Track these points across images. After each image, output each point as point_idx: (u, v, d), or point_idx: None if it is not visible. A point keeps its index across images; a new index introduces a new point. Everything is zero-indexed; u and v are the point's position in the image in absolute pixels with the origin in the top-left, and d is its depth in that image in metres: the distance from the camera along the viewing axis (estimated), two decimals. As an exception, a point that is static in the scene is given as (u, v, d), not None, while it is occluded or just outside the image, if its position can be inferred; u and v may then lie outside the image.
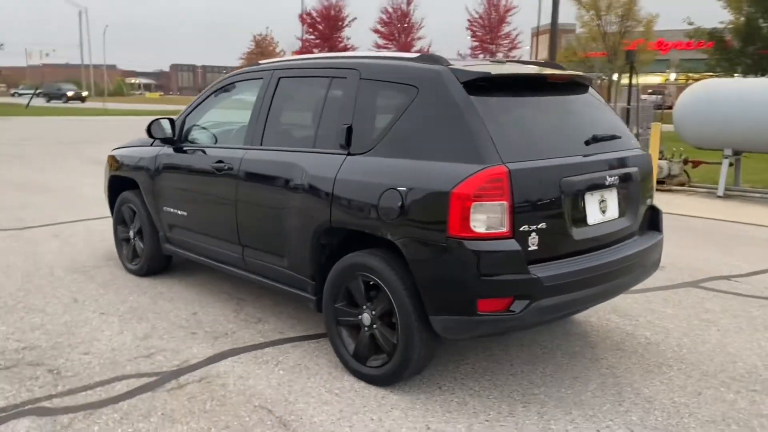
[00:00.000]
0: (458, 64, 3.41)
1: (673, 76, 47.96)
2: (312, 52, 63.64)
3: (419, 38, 59.68)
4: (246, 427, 3.11)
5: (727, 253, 6.71)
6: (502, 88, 3.39)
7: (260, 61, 4.65)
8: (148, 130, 4.78)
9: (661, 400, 3.45)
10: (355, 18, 61.56)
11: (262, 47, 79.91)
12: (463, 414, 3.26)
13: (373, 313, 3.48)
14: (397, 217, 3.23)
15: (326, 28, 62.31)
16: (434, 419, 3.21)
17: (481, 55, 53.52)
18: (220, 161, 4.36)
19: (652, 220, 3.99)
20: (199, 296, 5.00)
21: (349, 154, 3.58)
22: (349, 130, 3.60)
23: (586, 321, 4.61)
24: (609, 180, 3.48)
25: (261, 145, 4.17)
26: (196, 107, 4.88)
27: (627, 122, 11.06)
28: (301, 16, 63.14)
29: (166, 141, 4.88)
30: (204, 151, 4.59)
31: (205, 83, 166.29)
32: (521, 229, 3.07)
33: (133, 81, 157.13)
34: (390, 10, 59.48)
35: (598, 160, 3.48)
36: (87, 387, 3.48)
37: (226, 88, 4.73)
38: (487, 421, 3.21)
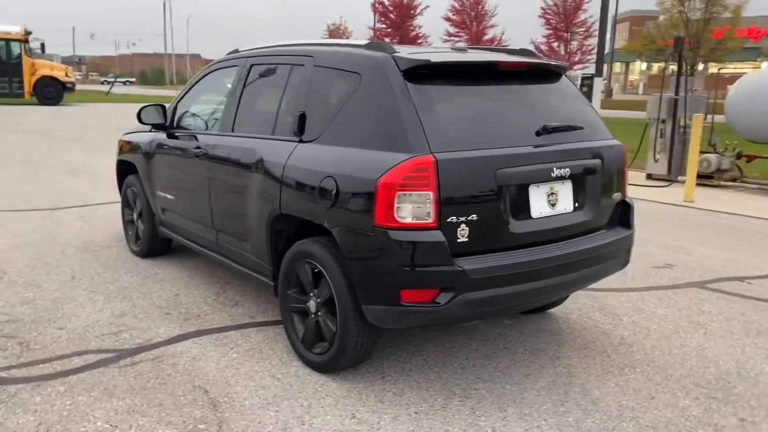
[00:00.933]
0: (404, 52, 3.36)
1: (765, 65, 45.32)
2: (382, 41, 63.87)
3: (491, 26, 58.83)
4: (177, 405, 3.19)
5: (757, 254, 6.32)
6: (445, 76, 3.32)
7: (239, 48, 4.72)
8: (138, 116, 4.94)
9: (608, 402, 3.31)
10: (428, 6, 61.06)
11: (335, 36, 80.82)
12: (394, 405, 3.24)
13: (318, 300, 3.49)
14: (332, 205, 3.23)
15: (398, 16, 62.24)
16: (363, 408, 3.20)
17: (555, 44, 52.26)
18: (198, 147, 4.47)
19: (623, 216, 3.82)
20: (189, 279, 5.14)
21: (300, 141, 3.60)
22: (302, 117, 3.61)
23: (563, 317, 4.47)
24: (558, 172, 3.34)
25: (232, 131, 4.24)
26: (186, 93, 5.01)
27: (674, 113, 10.54)
28: (373, 5, 63.33)
29: (157, 127, 5.03)
30: (189, 137, 4.71)
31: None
32: (448, 220, 3.01)
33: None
34: (463, -3, 58.78)
35: (546, 151, 3.35)
36: (46, 360, 3.65)
37: (211, 75, 4.83)
38: (416, 413, 3.17)
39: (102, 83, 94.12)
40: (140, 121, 4.96)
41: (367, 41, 3.62)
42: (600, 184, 3.61)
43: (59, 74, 28.24)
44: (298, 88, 3.75)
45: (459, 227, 3.03)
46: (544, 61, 3.76)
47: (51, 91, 27.88)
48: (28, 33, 27.80)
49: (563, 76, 3.85)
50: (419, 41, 61.93)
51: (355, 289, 3.19)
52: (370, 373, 3.58)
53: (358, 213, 3.12)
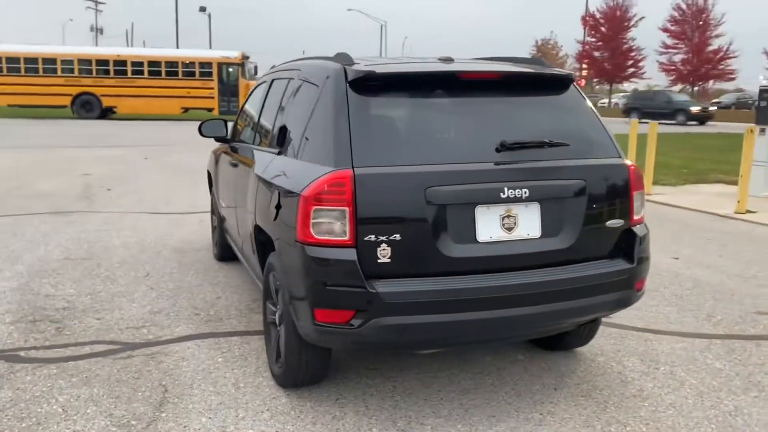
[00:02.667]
0: (363, 63, 3.24)
1: None
2: (591, 56, 61.12)
3: (717, 36, 53.62)
4: (130, 400, 3.37)
5: None
6: (397, 88, 3.14)
7: (273, 65, 4.87)
8: (199, 129, 5.30)
9: (557, 460, 2.87)
10: (643, 17, 57.27)
11: (544, 51, 79.06)
12: (325, 429, 3.11)
13: (279, 313, 3.49)
14: (275, 218, 3.22)
15: (610, 29, 59.29)
16: (292, 428, 3.12)
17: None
18: (235, 159, 4.70)
19: (627, 247, 3.29)
20: (240, 284, 5.39)
21: (278, 153, 3.63)
22: (281, 129, 3.65)
23: (590, 358, 3.96)
24: (513, 193, 2.98)
25: (254, 143, 4.40)
26: (243, 107, 5.28)
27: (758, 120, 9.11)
28: (583, 18, 61.03)
29: (219, 139, 5.36)
30: (234, 149, 4.97)
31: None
32: (366, 238, 2.84)
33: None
34: (684, 6, 54.37)
35: (501, 169, 3.01)
36: (64, 345, 4.07)
37: (257, 90, 5.04)
38: (339, 440, 3.03)
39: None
40: (201, 134, 5.32)
41: (337, 54, 3.54)
42: (584, 209, 3.16)
43: (269, 94, 31.07)
44: (286, 101, 3.79)
45: (379, 247, 2.85)
46: (529, 70, 3.38)
47: (262, 109, 30.79)
48: (245, 57, 31.08)
49: (572, 86, 3.43)
50: (632, 54, 58.36)
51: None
52: (327, 393, 3.47)
53: (288, 227, 3.08)
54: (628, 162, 3.34)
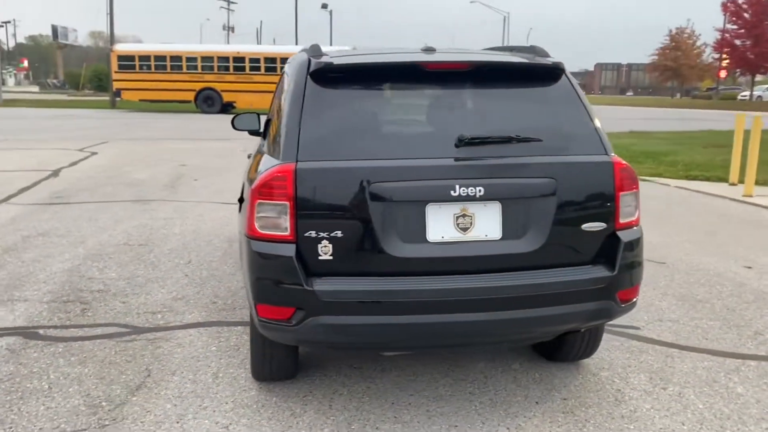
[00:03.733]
0: (332, 55, 3.15)
1: None
2: (732, 45, 56.51)
3: None
4: (111, 381, 3.50)
5: None
6: (359, 79, 3.03)
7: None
8: (232, 122, 5.40)
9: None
10: (792, 1, 52.28)
11: (678, 41, 74.19)
12: (280, 425, 3.08)
13: None
14: (239, 210, 3.22)
15: (753, 15, 54.67)
16: (246, 421, 3.11)
17: None
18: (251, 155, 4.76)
19: (609, 253, 2.99)
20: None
21: (261, 146, 3.63)
22: (266, 123, 3.65)
23: (592, 372, 3.66)
24: (467, 191, 2.78)
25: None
26: (272, 101, 5.34)
27: None
28: (724, 4, 56.66)
29: (252, 133, 5.43)
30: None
31: (629, 82, 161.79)
32: (307, 234, 2.77)
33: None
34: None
35: (456, 165, 2.82)
36: (81, 326, 4.31)
37: (279, 83, 5.06)
38: (286, 438, 2.99)
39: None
40: (234, 127, 5.42)
41: (311, 45, 3.46)
42: (554, 211, 2.90)
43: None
44: (276, 94, 3.78)
45: (320, 243, 2.77)
46: (504, 60, 3.14)
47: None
48: (356, 52, 31.51)
49: (563, 77, 3.16)
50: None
51: None
52: (298, 389, 3.44)
53: (243, 221, 3.07)
54: (617, 160, 3.03)
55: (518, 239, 2.89)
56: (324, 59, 3.03)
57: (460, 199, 2.79)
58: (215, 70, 30.96)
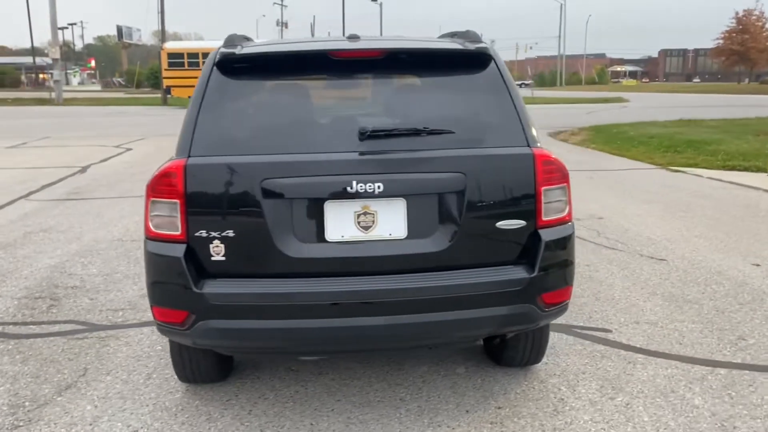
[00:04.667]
0: (249, 45, 3.02)
1: None
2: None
3: None
4: (46, 380, 3.47)
5: None
6: (265, 70, 2.89)
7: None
8: None
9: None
10: None
11: (746, 24, 70.80)
12: (189, 428, 2.99)
13: None
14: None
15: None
16: (158, 425, 3.03)
17: None
18: None
19: (530, 253, 2.75)
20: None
21: None
22: None
23: (541, 379, 3.41)
24: (364, 187, 2.60)
25: None
26: None
27: None
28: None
29: None
30: None
31: (695, 68, 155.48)
32: (197, 234, 2.65)
33: (618, 69, 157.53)
34: None
35: (352, 160, 2.64)
36: (40, 323, 4.32)
37: None
38: (192, 443, 2.88)
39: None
40: None
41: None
42: (464, 207, 2.68)
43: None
44: None
45: (211, 243, 2.64)
46: (421, 47, 2.92)
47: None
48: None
49: (491, 65, 2.93)
50: None
51: None
52: (224, 392, 3.33)
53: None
54: (540, 152, 2.78)
55: (425, 238, 2.69)
56: (231, 49, 2.90)
57: (358, 195, 2.62)
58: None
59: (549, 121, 22.23)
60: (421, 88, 2.96)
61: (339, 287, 2.61)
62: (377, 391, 3.32)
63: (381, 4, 58.99)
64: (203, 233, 2.64)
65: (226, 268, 2.66)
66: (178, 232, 2.67)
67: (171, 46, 33.21)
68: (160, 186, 2.68)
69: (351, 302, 2.60)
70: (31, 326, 4.26)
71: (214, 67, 2.87)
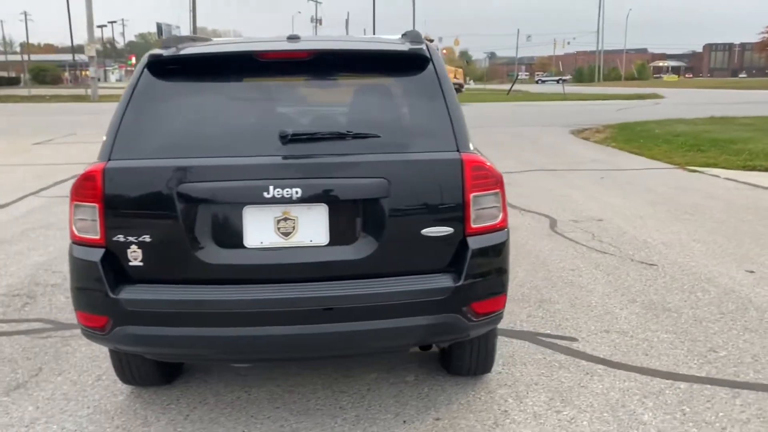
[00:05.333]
0: (184, 47, 2.98)
1: None
2: None
3: None
4: (-2, 380, 3.52)
5: None
6: (193, 72, 2.85)
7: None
8: None
9: None
10: None
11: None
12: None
13: None
14: None
15: None
16: (93, 428, 3.03)
17: None
18: None
19: (457, 262, 2.66)
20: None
21: None
22: None
23: (489, 390, 3.31)
24: (282, 192, 2.54)
25: None
26: None
27: None
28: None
29: None
30: None
31: (741, 63, 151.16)
32: (115, 239, 2.62)
33: (661, 64, 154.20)
34: None
35: (272, 164, 2.58)
36: (9, 321, 4.37)
37: None
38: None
39: (536, 82, 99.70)
40: None
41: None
42: (387, 214, 2.60)
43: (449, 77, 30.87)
44: None
45: (129, 248, 2.62)
46: (348, 48, 2.85)
47: (440, 91, 30.77)
48: (428, 40, 31.13)
49: (428, 67, 2.84)
50: None
51: None
52: (166, 397, 3.31)
53: None
54: (469, 157, 2.67)
55: (347, 245, 2.62)
56: (161, 51, 2.87)
57: (276, 201, 2.56)
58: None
59: (575, 118, 21.86)
60: (350, 91, 2.89)
61: (254, 295, 2.55)
62: (320, 398, 3.26)
63: (414, 2, 58.72)
64: (121, 238, 2.61)
65: (145, 273, 2.63)
66: (98, 237, 2.65)
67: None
68: (81, 189, 2.66)
69: (266, 311, 2.55)
70: (2, 324, 4.31)
71: (145, 70, 2.84)
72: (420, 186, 2.63)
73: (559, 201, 8.03)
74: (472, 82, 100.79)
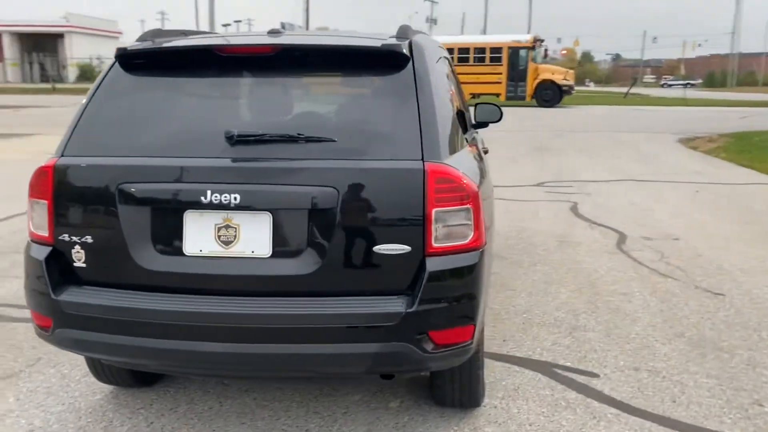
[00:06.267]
0: (159, 41, 2.86)
1: None
2: None
3: None
4: (-4, 367, 3.58)
5: None
6: (158, 67, 2.73)
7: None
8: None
9: None
10: None
11: None
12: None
13: None
14: None
15: None
16: (57, 426, 2.98)
17: None
18: None
19: (411, 283, 2.36)
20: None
21: None
22: None
23: (469, 425, 2.97)
24: (219, 198, 2.34)
25: None
26: None
27: None
28: None
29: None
30: None
31: None
32: (61, 237, 2.54)
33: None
34: None
35: (211, 167, 2.39)
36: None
37: None
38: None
39: (662, 86, 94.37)
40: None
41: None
42: (335, 227, 2.34)
43: (558, 78, 29.82)
44: None
45: (73, 248, 2.53)
46: (315, 43, 2.60)
47: (548, 94, 29.76)
48: (537, 41, 30.20)
49: (408, 66, 2.56)
50: None
51: None
52: (140, 401, 3.22)
53: None
54: (435, 168, 2.35)
55: (291, 259, 2.39)
56: (131, 44, 2.76)
57: (214, 206, 2.37)
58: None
59: (690, 125, 20.33)
60: (316, 90, 2.66)
61: (189, 307, 2.38)
62: (290, 417, 3.05)
63: (530, 1, 57.28)
64: (66, 237, 2.53)
65: (88, 275, 2.53)
66: (47, 234, 2.58)
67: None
68: (35, 185, 2.61)
69: (199, 324, 2.36)
70: (23, 310, 4.42)
71: (115, 63, 2.74)
72: (375, 197, 2.35)
73: (638, 215, 7.37)
74: (591, 84, 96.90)
